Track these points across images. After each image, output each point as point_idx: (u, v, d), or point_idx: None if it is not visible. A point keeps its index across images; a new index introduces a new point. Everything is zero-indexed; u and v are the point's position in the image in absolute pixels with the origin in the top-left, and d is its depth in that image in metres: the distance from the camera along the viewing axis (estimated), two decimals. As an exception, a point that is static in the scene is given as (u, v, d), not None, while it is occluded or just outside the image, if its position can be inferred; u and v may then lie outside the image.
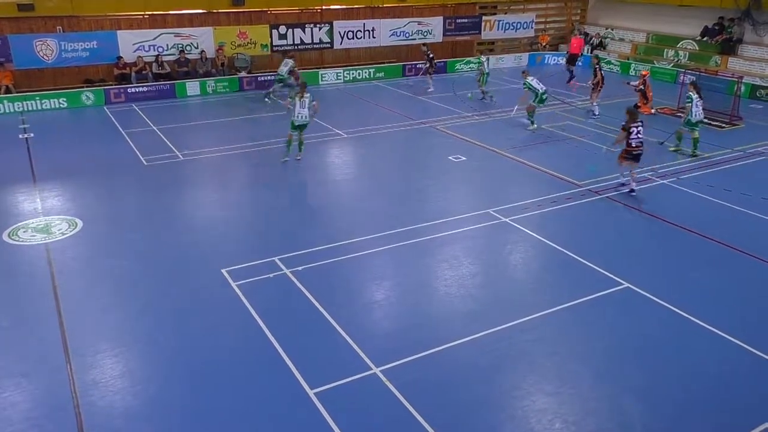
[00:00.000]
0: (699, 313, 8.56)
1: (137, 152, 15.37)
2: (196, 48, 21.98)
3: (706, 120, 18.04)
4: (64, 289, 9.13)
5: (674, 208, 12.24)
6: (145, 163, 14.70)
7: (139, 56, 21.09)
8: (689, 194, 12.94)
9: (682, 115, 15.83)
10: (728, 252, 10.48)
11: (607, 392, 7.13)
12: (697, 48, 25.31)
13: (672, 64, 25.24)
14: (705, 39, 25.06)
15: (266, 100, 20.61)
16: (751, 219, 11.76)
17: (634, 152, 12.59)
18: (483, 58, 20.75)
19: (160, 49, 21.45)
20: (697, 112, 15.08)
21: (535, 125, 17.32)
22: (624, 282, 9.39)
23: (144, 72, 21.15)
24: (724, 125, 18.10)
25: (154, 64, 21.39)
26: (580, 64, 25.08)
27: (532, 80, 17.34)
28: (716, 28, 24.63)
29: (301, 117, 14.22)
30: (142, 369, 7.52)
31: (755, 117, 19.16)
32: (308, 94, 14.28)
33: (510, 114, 17.77)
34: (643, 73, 20.10)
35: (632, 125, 12.45)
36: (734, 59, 23.87)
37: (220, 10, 22.46)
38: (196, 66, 21.98)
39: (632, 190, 12.84)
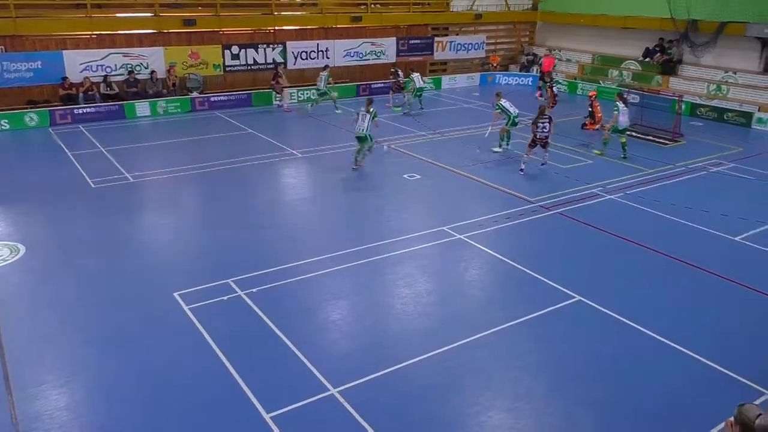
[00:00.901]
0: (649, 324, 8.79)
1: (84, 175, 14.93)
2: (146, 68, 21.62)
3: (651, 137, 18.87)
4: (5, 318, 8.70)
5: (622, 222, 12.60)
6: (93, 185, 14.28)
7: (86, 77, 20.56)
8: (636, 208, 13.35)
9: (608, 123, 17.19)
10: (674, 263, 10.82)
11: (563, 406, 7.21)
12: (640, 68, 26.32)
13: (616, 84, 26.14)
14: (647, 60, 26.11)
15: (337, 111, 22.05)
16: (695, 231, 12.19)
17: (539, 142, 15.56)
18: (413, 75, 22.15)
19: (109, 70, 20.99)
20: (624, 120, 16.67)
21: (501, 149, 17.37)
22: (576, 295, 9.57)
23: (91, 93, 20.64)
24: (667, 142, 18.81)
25: (102, 84, 20.90)
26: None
27: (505, 102, 17.22)
28: (657, 49, 25.69)
29: (360, 130, 15.18)
30: (89, 400, 7.22)
31: (696, 134, 19.99)
32: (373, 110, 15.38)
33: (484, 135, 18.07)
34: (591, 93, 20.75)
35: (539, 120, 15.28)
36: (675, 79, 24.93)
37: (170, 30, 22.17)
38: (146, 86, 21.59)
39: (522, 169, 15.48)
